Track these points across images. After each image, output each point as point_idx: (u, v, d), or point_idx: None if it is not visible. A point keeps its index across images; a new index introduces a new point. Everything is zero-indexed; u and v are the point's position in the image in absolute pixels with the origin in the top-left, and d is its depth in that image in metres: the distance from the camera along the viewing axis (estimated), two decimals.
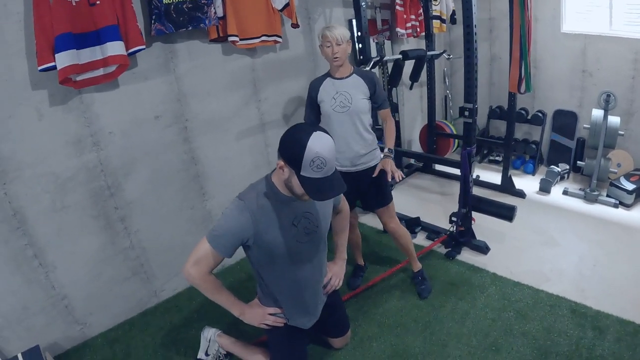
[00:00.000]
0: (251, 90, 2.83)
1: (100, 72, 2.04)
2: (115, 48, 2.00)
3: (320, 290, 1.97)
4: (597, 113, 3.32)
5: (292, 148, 1.46)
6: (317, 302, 1.96)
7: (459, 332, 2.20)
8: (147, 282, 2.55)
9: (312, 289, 1.90)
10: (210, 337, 2.15)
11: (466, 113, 2.57)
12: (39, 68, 1.84)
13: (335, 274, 2.02)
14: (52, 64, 1.85)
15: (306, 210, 1.70)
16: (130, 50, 2.08)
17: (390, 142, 2.30)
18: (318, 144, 1.43)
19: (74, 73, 1.92)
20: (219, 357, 2.15)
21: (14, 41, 1.86)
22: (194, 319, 2.44)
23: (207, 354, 2.14)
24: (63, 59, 1.85)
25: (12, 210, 1.99)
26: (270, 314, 1.86)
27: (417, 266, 2.58)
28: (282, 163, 1.50)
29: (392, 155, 2.26)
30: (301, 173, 1.46)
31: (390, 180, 2.18)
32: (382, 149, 2.34)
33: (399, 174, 2.20)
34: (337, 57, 2.14)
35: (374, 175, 2.26)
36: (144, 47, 2.12)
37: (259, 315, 1.85)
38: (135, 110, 2.32)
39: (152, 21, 2.17)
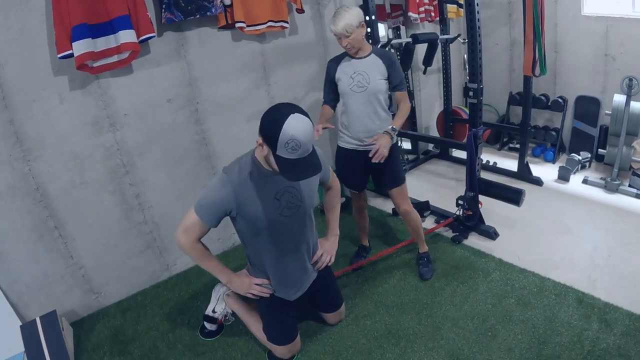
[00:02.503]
0: (261, 75, 2.91)
1: (114, 58, 2.19)
2: (127, 36, 2.14)
3: (308, 266, 2.01)
4: (619, 98, 3.16)
5: (269, 128, 1.50)
6: (304, 276, 2.00)
7: (455, 315, 2.19)
8: (159, 256, 2.70)
9: (298, 264, 1.95)
10: (220, 296, 2.24)
11: (471, 93, 2.53)
12: (58, 56, 2.01)
13: (327, 250, 2.06)
14: (70, 51, 2.01)
15: (289, 184, 1.76)
16: (141, 38, 2.21)
17: (397, 122, 2.22)
18: (294, 126, 1.46)
19: (90, 59, 2.07)
20: (226, 315, 2.25)
21: (37, 33, 2.04)
22: (202, 292, 2.56)
23: (214, 311, 2.23)
24: (79, 47, 2.01)
25: (35, 184, 2.18)
26: (257, 284, 1.94)
27: (424, 248, 2.60)
28: (260, 140, 1.56)
29: (393, 135, 2.16)
30: (277, 153, 1.51)
31: (370, 155, 2.08)
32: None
33: (382, 152, 2.06)
34: (349, 48, 2.17)
35: (367, 143, 2.21)
36: (154, 34, 2.25)
37: (245, 284, 1.94)
38: (149, 94, 2.45)
39: (162, 10, 2.29)
